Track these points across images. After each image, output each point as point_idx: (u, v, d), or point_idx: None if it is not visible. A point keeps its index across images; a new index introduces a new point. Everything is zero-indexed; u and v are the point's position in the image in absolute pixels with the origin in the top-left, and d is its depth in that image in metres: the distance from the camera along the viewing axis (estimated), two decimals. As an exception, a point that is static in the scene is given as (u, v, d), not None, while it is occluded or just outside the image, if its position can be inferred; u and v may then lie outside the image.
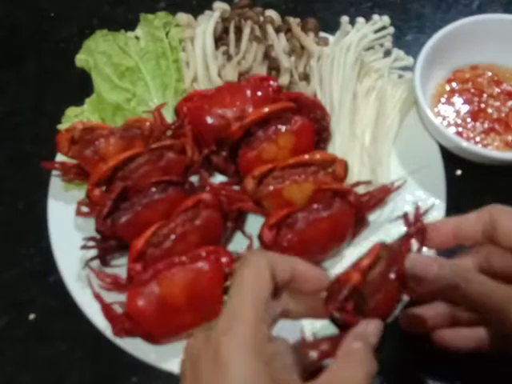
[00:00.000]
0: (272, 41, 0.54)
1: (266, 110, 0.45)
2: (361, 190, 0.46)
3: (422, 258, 0.34)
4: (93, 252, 0.46)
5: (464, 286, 0.33)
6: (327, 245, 0.44)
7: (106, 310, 0.41)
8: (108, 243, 0.45)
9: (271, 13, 0.57)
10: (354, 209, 0.44)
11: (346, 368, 0.29)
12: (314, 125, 0.47)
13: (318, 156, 0.45)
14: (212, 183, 0.47)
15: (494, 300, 0.33)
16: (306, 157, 0.45)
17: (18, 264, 0.53)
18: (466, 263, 0.37)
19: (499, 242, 0.34)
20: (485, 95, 0.53)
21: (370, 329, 0.31)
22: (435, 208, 0.45)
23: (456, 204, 0.48)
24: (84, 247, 0.45)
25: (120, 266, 0.45)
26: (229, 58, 0.53)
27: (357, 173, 0.48)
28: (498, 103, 0.53)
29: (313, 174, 0.45)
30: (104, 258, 0.45)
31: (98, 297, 0.42)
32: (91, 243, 0.45)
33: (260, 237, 0.43)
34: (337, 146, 0.49)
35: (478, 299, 0.33)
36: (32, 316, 0.51)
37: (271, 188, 0.44)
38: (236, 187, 0.47)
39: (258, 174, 0.44)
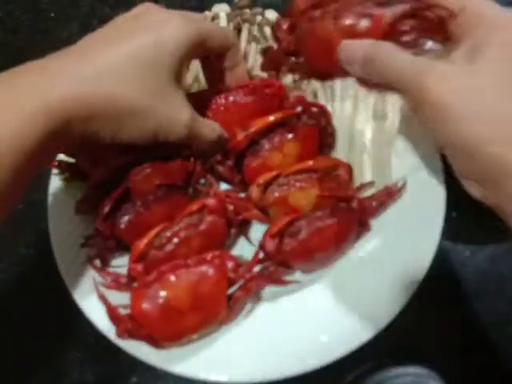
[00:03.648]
0: (272, 41, 0.54)
1: (271, 118, 0.45)
2: (368, 191, 0.47)
3: (353, 43, 0.37)
4: (94, 252, 0.46)
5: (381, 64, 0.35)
6: (331, 252, 0.44)
7: (110, 310, 0.41)
8: (108, 243, 0.45)
9: (271, 13, 0.57)
10: (357, 215, 0.44)
11: None
12: (319, 130, 0.47)
13: (321, 161, 0.45)
14: (217, 189, 0.47)
15: (404, 74, 0.34)
16: (310, 163, 0.45)
17: (18, 264, 0.53)
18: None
19: None
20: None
21: None
22: (435, 208, 0.45)
23: (456, 204, 0.48)
24: (84, 245, 0.45)
25: (120, 267, 0.45)
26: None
27: (358, 174, 0.48)
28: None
29: (318, 179, 0.45)
30: (104, 257, 0.45)
31: (102, 297, 0.42)
32: (91, 242, 0.45)
33: (262, 246, 0.43)
34: (338, 147, 0.49)
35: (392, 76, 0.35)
36: (32, 316, 0.51)
37: (276, 195, 0.44)
38: (241, 194, 0.47)
39: (263, 181, 0.44)
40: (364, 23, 0.37)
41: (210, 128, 0.43)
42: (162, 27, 0.37)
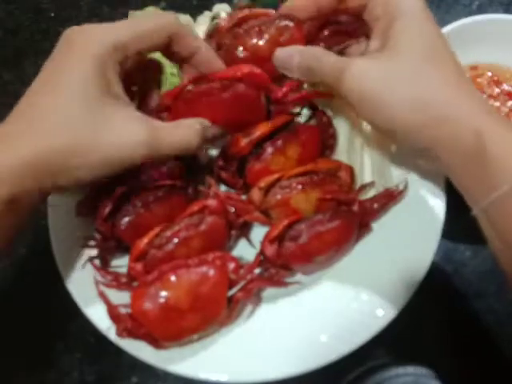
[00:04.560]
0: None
1: (274, 123, 0.44)
2: (370, 192, 0.47)
3: (286, 49, 0.41)
4: (94, 252, 0.46)
5: (316, 66, 0.39)
6: (332, 255, 0.44)
7: (110, 309, 0.41)
8: (108, 243, 0.45)
9: (271, 13, 0.57)
10: (358, 217, 0.44)
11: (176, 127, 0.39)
12: (320, 132, 0.47)
13: (323, 163, 0.45)
14: (218, 191, 0.47)
15: (329, 73, 0.39)
16: (312, 165, 0.45)
17: (18, 264, 0.53)
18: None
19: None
20: (484, 95, 0.53)
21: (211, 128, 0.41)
22: (435, 207, 0.45)
23: (456, 204, 0.48)
24: (84, 246, 0.45)
25: (120, 267, 0.45)
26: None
27: (358, 175, 0.48)
28: (497, 103, 0.53)
29: (319, 181, 0.44)
30: (104, 257, 0.45)
31: (102, 295, 0.42)
32: (91, 242, 0.45)
33: (262, 251, 0.43)
34: (339, 148, 0.49)
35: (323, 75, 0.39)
36: (32, 316, 0.51)
37: (278, 198, 0.44)
38: (243, 196, 0.47)
39: (264, 185, 0.44)
40: (286, 35, 0.42)
41: (183, 130, 0.40)
42: (83, 53, 0.35)
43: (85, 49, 0.36)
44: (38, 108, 0.35)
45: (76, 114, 0.35)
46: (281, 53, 0.41)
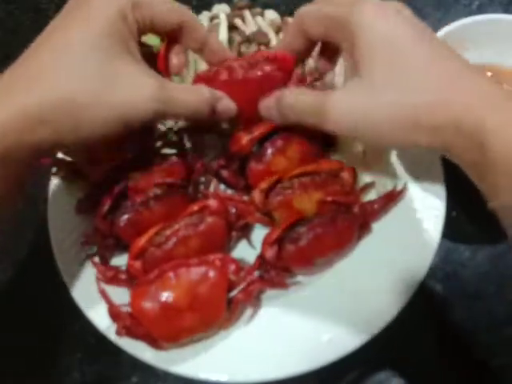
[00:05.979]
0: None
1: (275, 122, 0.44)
2: (371, 194, 0.47)
3: (265, 104, 0.42)
4: (93, 251, 0.46)
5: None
6: (332, 257, 0.44)
7: (111, 306, 0.41)
8: (107, 241, 0.45)
9: (270, 13, 0.57)
10: (358, 219, 0.44)
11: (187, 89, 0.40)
12: (322, 132, 0.47)
13: (325, 164, 0.45)
14: (218, 190, 0.47)
15: (309, 112, 0.39)
16: (314, 166, 0.44)
17: (18, 264, 0.53)
18: None
19: None
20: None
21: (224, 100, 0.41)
22: (435, 208, 0.45)
23: (456, 204, 0.48)
24: (84, 243, 0.45)
25: (120, 267, 0.45)
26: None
27: (359, 175, 0.47)
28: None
29: (322, 182, 0.44)
30: (103, 255, 0.46)
31: (102, 293, 0.42)
32: (91, 240, 0.45)
33: (262, 254, 0.43)
34: (339, 149, 0.49)
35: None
36: (32, 316, 0.51)
37: (280, 199, 0.44)
38: (245, 197, 0.46)
39: (265, 186, 0.44)
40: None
41: (191, 92, 0.40)
42: (91, 8, 0.36)
43: (103, 2, 0.36)
44: (47, 54, 0.35)
45: (87, 65, 0.34)
46: (261, 108, 0.42)
